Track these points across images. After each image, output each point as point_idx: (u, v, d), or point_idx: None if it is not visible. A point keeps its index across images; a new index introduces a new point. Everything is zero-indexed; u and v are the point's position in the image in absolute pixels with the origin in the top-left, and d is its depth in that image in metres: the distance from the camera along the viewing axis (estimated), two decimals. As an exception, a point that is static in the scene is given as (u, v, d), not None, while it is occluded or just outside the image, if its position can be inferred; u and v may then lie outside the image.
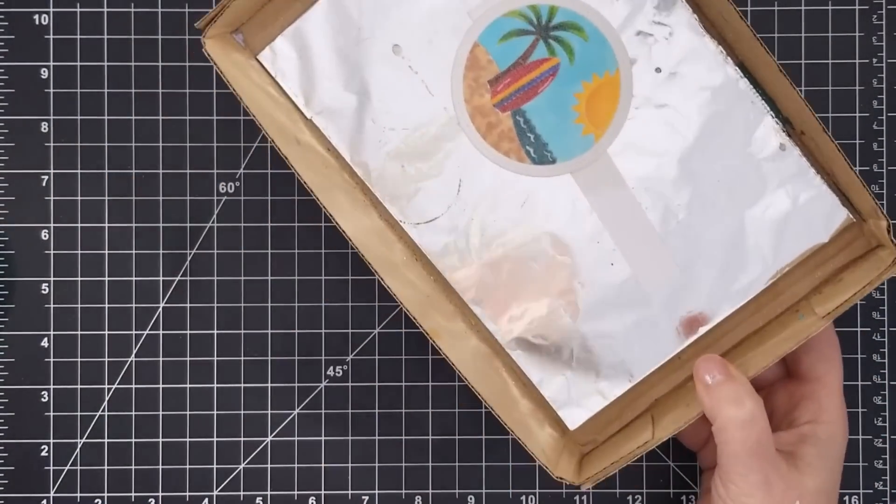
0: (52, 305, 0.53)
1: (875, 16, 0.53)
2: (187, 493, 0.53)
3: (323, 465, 0.53)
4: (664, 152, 0.47)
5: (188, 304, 0.54)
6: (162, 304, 0.54)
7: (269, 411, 0.53)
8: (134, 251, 0.54)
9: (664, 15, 0.46)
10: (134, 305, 0.54)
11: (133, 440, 0.53)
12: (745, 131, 0.47)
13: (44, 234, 0.53)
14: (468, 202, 0.48)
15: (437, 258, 0.48)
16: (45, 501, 0.53)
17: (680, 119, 0.47)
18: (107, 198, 0.53)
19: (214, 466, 0.53)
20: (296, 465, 0.53)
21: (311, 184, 0.45)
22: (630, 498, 0.54)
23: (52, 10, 0.53)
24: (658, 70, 0.46)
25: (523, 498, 0.53)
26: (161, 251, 0.53)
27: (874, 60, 0.53)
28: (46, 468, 0.53)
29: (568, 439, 0.49)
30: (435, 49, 0.46)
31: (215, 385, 0.54)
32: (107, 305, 0.53)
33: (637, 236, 0.48)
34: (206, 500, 0.53)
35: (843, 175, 0.46)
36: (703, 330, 0.48)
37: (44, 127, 0.53)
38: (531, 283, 0.48)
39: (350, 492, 0.53)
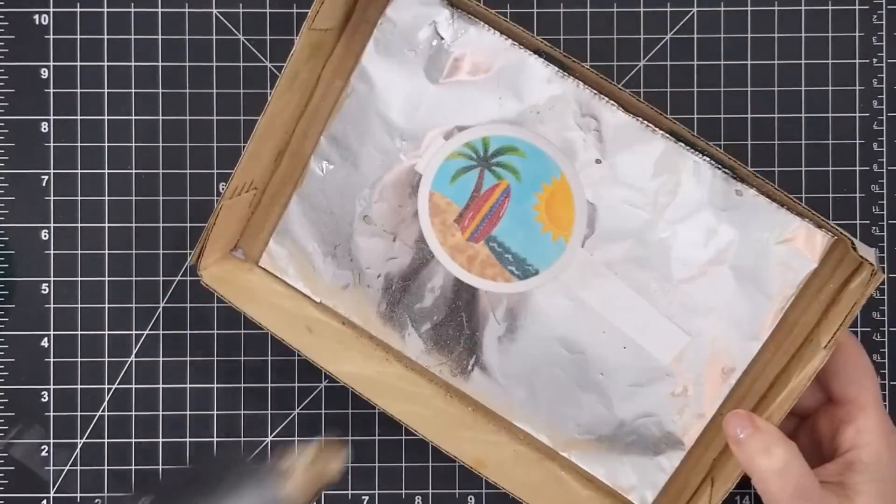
0: (52, 305, 0.53)
1: (875, 16, 0.53)
2: (187, 493, 0.53)
3: (323, 465, 0.53)
4: (633, 231, 0.49)
5: (188, 304, 0.54)
6: (162, 304, 0.54)
7: (269, 411, 0.53)
8: (134, 251, 0.54)
9: (588, 113, 0.48)
10: (134, 305, 0.54)
11: (133, 440, 0.53)
12: (698, 189, 0.48)
13: (44, 234, 0.53)
14: (478, 330, 0.51)
15: (469, 389, 0.51)
16: (45, 501, 0.53)
17: (636, 196, 0.49)
18: (107, 198, 0.54)
19: (214, 466, 0.53)
20: (296, 465, 0.53)
21: (327, 365, 0.49)
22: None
23: (52, 10, 0.53)
24: (598, 161, 0.49)
25: (523, 498, 0.53)
26: (161, 251, 0.54)
27: (874, 60, 0.53)
28: (46, 468, 0.53)
29: None
30: (398, 209, 0.50)
31: (215, 385, 0.54)
32: (107, 305, 0.54)
33: (636, 316, 0.49)
34: (206, 500, 0.53)
35: (800, 209, 0.46)
36: (732, 381, 0.49)
37: (44, 127, 0.53)
38: (560, 387, 0.50)
39: (350, 492, 0.53)
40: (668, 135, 0.48)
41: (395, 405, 0.49)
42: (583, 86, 0.48)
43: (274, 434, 0.53)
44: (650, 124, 0.48)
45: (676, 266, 0.49)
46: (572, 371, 0.50)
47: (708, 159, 0.48)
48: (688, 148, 0.48)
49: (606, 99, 0.48)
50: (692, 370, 0.49)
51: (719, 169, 0.48)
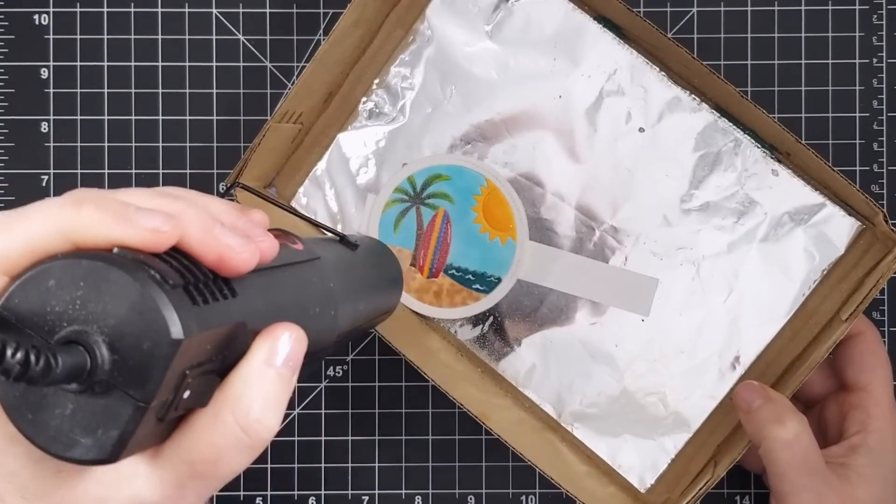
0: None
1: (875, 16, 0.53)
2: (187, 493, 0.53)
3: (323, 465, 0.54)
4: (667, 202, 0.51)
5: (188, 304, 0.54)
6: (162, 304, 0.54)
7: (269, 411, 0.54)
8: (134, 251, 0.54)
9: (637, 82, 0.51)
10: (134, 305, 0.54)
11: (133, 440, 0.54)
12: (735, 166, 0.50)
13: (44, 234, 0.53)
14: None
15: (480, 351, 0.52)
16: (45, 501, 0.53)
17: (674, 168, 0.50)
18: (107, 198, 0.54)
19: (214, 466, 0.53)
20: (296, 465, 0.54)
21: None
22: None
23: (52, 9, 0.53)
24: (641, 130, 0.50)
25: (523, 498, 0.53)
26: (161, 251, 0.54)
27: (874, 60, 0.53)
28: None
29: (641, 503, 0.52)
30: None
31: (215, 385, 0.54)
32: (107, 305, 0.54)
33: (603, 280, 0.51)
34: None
35: (837, 183, 0.48)
36: (746, 364, 0.50)
37: (44, 127, 0.54)
38: (573, 355, 0.52)
39: (350, 492, 0.53)
40: (713, 110, 0.50)
41: (409, 350, 0.49)
42: (636, 54, 0.50)
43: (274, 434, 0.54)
44: (697, 97, 0.50)
45: (704, 242, 0.50)
46: (588, 339, 0.51)
47: (749, 137, 0.50)
48: (731, 124, 0.50)
49: (658, 69, 0.50)
50: (706, 350, 0.51)
51: (759, 147, 0.50)
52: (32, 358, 0.22)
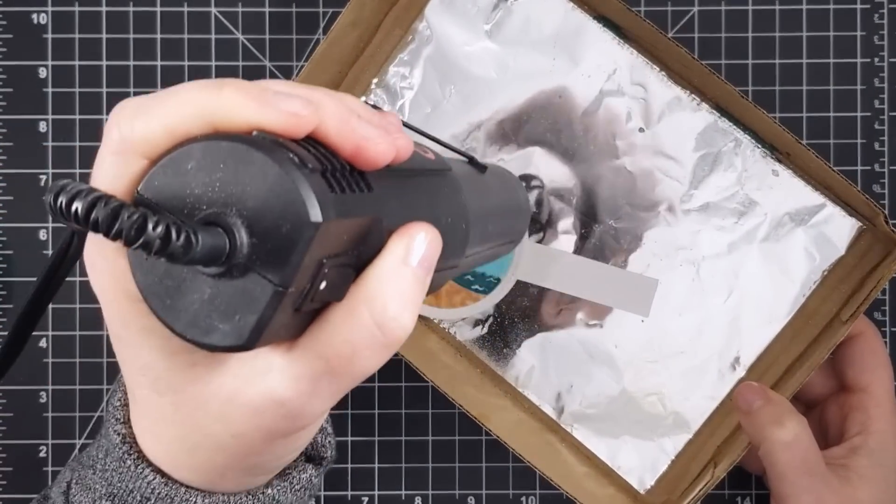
0: (50, 305, 0.53)
1: (877, 15, 0.53)
2: (186, 494, 0.53)
3: (322, 465, 0.53)
4: (667, 202, 0.51)
5: (187, 305, 0.54)
6: (161, 305, 0.54)
7: (269, 412, 0.53)
8: (133, 251, 0.54)
9: (637, 82, 0.51)
10: (133, 306, 0.54)
11: (132, 441, 0.53)
12: (736, 166, 0.50)
13: (42, 234, 0.54)
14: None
15: (479, 352, 0.52)
16: (43, 502, 0.54)
17: (674, 168, 0.51)
18: (105, 198, 0.53)
19: (214, 467, 0.53)
20: (295, 466, 0.53)
21: None
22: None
23: (50, 9, 0.53)
24: (641, 130, 0.51)
25: (523, 499, 0.53)
26: (160, 251, 0.53)
27: (876, 60, 0.53)
28: (45, 469, 0.53)
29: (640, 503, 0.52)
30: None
31: (214, 385, 0.54)
32: (105, 306, 0.54)
33: (602, 280, 0.51)
34: (206, 500, 0.53)
35: (837, 183, 0.48)
36: (747, 364, 0.51)
37: (42, 126, 0.53)
38: (572, 356, 0.52)
39: (350, 492, 0.53)
40: (713, 110, 0.50)
41: (408, 351, 0.49)
42: (636, 54, 0.51)
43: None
44: (696, 97, 0.50)
45: (704, 242, 0.51)
46: (587, 340, 0.51)
47: (749, 137, 0.50)
48: (731, 124, 0.50)
49: (658, 69, 0.50)
50: (706, 350, 0.51)
51: (759, 148, 0.50)
52: (174, 233, 0.22)
